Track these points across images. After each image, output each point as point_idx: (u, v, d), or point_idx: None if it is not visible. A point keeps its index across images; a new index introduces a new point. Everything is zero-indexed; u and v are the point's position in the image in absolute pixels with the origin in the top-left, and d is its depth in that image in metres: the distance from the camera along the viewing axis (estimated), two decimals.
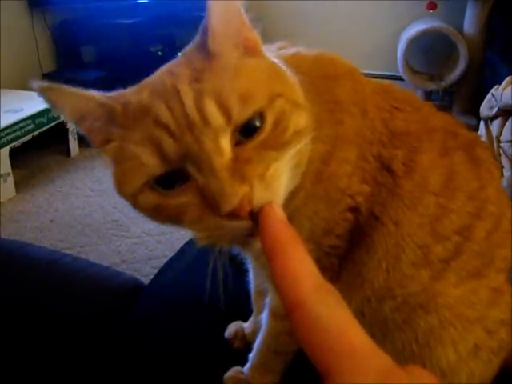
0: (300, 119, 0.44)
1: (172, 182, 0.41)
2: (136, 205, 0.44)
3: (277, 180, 0.41)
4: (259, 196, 0.38)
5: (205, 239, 0.43)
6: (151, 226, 2.28)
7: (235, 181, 0.38)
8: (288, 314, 0.29)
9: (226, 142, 0.39)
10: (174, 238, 2.16)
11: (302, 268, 0.30)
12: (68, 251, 2.09)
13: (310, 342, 0.27)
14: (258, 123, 0.41)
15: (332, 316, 0.28)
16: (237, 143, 0.40)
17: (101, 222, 2.33)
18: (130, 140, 0.41)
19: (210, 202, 0.38)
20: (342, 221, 0.58)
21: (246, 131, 0.40)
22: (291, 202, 0.52)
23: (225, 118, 0.39)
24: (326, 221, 0.58)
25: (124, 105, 0.44)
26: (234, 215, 0.38)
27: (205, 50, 0.43)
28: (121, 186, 0.44)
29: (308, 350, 0.27)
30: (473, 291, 0.60)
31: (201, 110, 0.39)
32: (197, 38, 0.45)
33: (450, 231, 0.59)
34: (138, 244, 2.16)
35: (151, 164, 0.40)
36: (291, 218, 0.56)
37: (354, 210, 0.58)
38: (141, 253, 2.10)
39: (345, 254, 0.61)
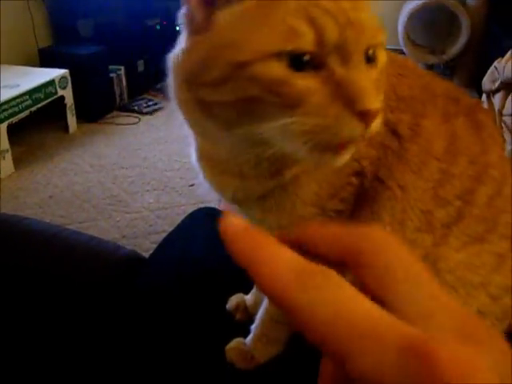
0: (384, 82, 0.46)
1: (300, 65, 0.40)
2: (242, 74, 0.40)
3: (380, 119, 0.43)
4: (377, 123, 0.41)
5: (311, 127, 0.40)
6: (151, 200, 2.28)
7: (375, 91, 0.40)
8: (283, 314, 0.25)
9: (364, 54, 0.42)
10: (174, 212, 2.16)
11: (274, 264, 0.25)
12: (67, 227, 2.08)
13: (311, 335, 0.23)
14: (373, 57, 0.43)
15: (324, 298, 0.23)
16: None
17: (100, 197, 2.32)
18: (278, 8, 0.40)
19: (347, 96, 0.39)
20: (347, 185, 0.58)
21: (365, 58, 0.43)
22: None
23: (371, 34, 0.42)
24: (331, 184, 0.58)
25: None
26: (364, 115, 0.39)
27: None
28: (232, 48, 0.41)
29: (314, 342, 0.23)
30: (475, 255, 0.60)
31: (357, 17, 0.41)
32: None
33: (451, 196, 0.59)
34: (137, 219, 2.15)
35: (307, 38, 0.39)
36: (300, 179, 0.56)
37: (360, 173, 0.58)
38: (140, 228, 2.10)
39: (349, 220, 0.60)
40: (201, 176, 0.63)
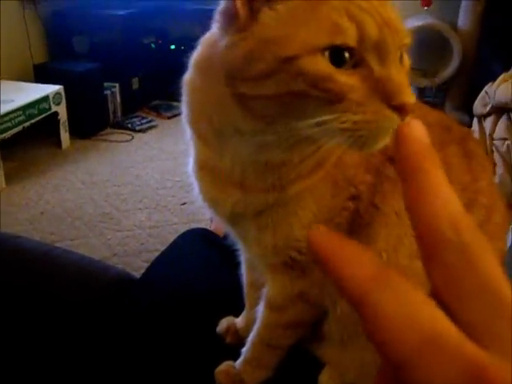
0: None
1: (340, 62, 0.41)
2: (288, 68, 0.41)
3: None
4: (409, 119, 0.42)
5: (350, 124, 0.41)
6: (142, 218, 2.27)
7: (409, 88, 0.42)
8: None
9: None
10: (166, 231, 2.15)
11: (353, 265, 0.25)
12: (58, 244, 2.07)
13: (381, 335, 0.23)
14: (401, 57, 0.44)
15: (399, 300, 0.23)
16: None
17: (92, 214, 2.31)
18: (322, 5, 0.41)
19: (384, 92, 0.41)
20: (343, 210, 0.59)
21: None
22: (311, 176, 0.55)
23: (404, 34, 0.44)
24: (328, 208, 0.58)
25: None
26: (401, 108, 0.40)
27: None
28: (278, 44, 0.42)
29: (380, 344, 0.23)
30: None
31: (391, 17, 0.43)
32: None
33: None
34: (129, 237, 2.14)
35: (350, 33, 0.40)
36: (302, 198, 0.57)
37: (356, 198, 0.59)
38: (132, 246, 2.08)
39: None
40: (196, 189, 0.63)
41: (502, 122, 2.02)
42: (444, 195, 0.26)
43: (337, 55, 0.41)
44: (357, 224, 0.60)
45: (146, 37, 3.36)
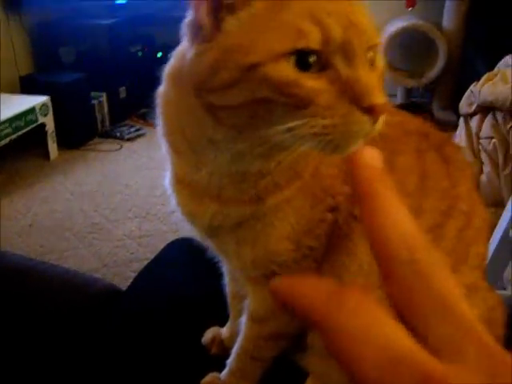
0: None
1: (306, 66, 0.41)
2: (252, 76, 0.41)
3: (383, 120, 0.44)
4: (383, 120, 0.43)
5: (320, 128, 0.41)
6: (132, 227, 2.26)
7: (380, 88, 0.42)
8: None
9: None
10: (156, 240, 2.14)
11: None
12: (48, 256, 2.07)
13: (338, 353, 0.23)
14: (373, 58, 0.44)
15: (356, 319, 0.23)
16: None
17: (81, 225, 2.30)
18: (284, 10, 0.42)
19: (353, 94, 0.40)
20: (321, 221, 0.58)
21: None
22: (288, 187, 0.54)
23: (371, 35, 0.44)
24: (307, 220, 0.58)
25: None
26: (371, 110, 0.40)
27: None
28: (241, 52, 0.42)
29: (335, 357, 0.23)
30: None
31: (358, 19, 0.43)
32: None
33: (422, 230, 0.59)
34: (119, 247, 2.13)
35: (314, 36, 0.40)
36: (280, 209, 0.56)
37: (334, 209, 0.58)
38: (122, 256, 2.07)
39: (324, 258, 0.60)
40: (173, 202, 0.63)
41: (488, 120, 2.03)
42: (395, 216, 0.27)
43: (302, 59, 0.41)
44: (336, 236, 0.59)
45: (132, 45, 3.35)
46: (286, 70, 0.40)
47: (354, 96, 0.40)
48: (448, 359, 0.22)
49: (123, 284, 1.05)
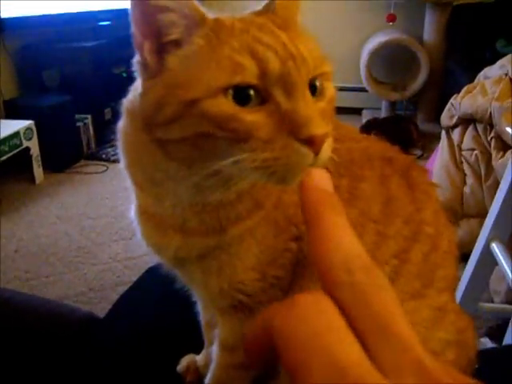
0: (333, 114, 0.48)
1: (245, 100, 0.41)
2: (192, 111, 0.42)
3: (330, 147, 0.43)
4: (327, 150, 0.42)
5: (260, 162, 0.41)
6: (118, 250, 2.25)
7: (321, 118, 0.41)
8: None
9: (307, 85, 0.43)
10: (143, 261, 2.13)
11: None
12: (33, 282, 2.05)
13: (285, 357, 0.23)
14: (320, 88, 0.45)
15: (307, 327, 0.23)
16: None
17: (67, 249, 2.28)
18: (223, 47, 0.42)
19: (291, 125, 0.40)
20: (286, 251, 0.57)
21: (311, 90, 0.44)
22: (251, 216, 0.54)
23: (313, 65, 0.43)
24: (271, 249, 0.57)
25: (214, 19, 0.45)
26: (310, 141, 0.40)
27: (276, 15, 0.47)
28: (182, 88, 0.42)
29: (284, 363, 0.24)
30: (413, 312, 0.60)
31: (297, 49, 0.43)
32: (259, 8, 0.49)
33: (387, 256, 0.59)
34: (105, 271, 2.12)
35: (250, 71, 0.41)
36: (243, 240, 0.56)
37: (298, 238, 0.57)
38: (108, 279, 2.06)
39: (290, 287, 0.60)
40: (138, 234, 0.62)
41: (469, 132, 2.04)
42: (338, 239, 0.27)
43: (241, 94, 0.41)
44: (301, 265, 0.58)
45: (116, 67, 3.36)
46: (224, 105, 0.41)
47: (292, 128, 0.40)
48: (389, 377, 0.22)
49: (106, 309, 1.04)
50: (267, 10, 0.49)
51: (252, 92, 0.41)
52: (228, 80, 0.40)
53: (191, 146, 0.44)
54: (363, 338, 0.23)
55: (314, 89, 0.44)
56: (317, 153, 0.41)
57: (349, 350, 0.22)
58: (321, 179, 0.30)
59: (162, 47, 0.44)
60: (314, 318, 0.23)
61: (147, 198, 0.57)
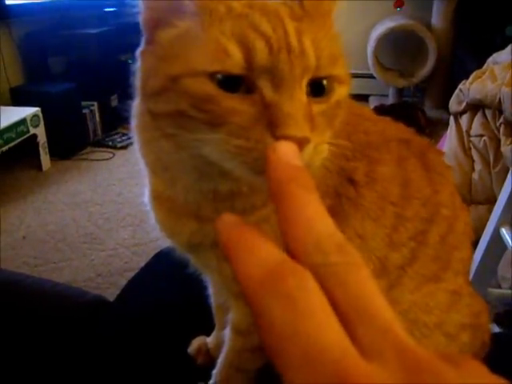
0: (340, 118, 0.46)
1: (234, 86, 0.40)
2: (174, 87, 0.41)
3: (321, 155, 0.41)
4: (307, 156, 0.39)
5: (233, 147, 0.40)
6: (126, 236, 2.25)
7: (306, 120, 0.39)
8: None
9: (305, 83, 0.41)
10: (150, 248, 2.13)
11: (249, 259, 0.25)
12: (41, 268, 2.06)
13: (266, 343, 0.23)
14: (323, 90, 0.42)
15: (285, 310, 0.22)
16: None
17: (74, 236, 2.29)
18: (214, 27, 0.40)
19: (271, 119, 0.38)
20: None
21: (312, 89, 0.42)
22: (266, 206, 0.53)
23: (315, 62, 0.40)
24: None
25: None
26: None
27: (301, 4, 0.44)
28: (168, 62, 0.42)
29: (266, 350, 0.23)
30: (430, 295, 0.60)
31: (300, 43, 0.40)
32: None
33: (405, 238, 0.59)
34: (112, 256, 2.13)
35: (235, 59, 0.39)
36: (258, 226, 0.55)
37: None
38: (116, 265, 2.07)
39: None
40: (152, 219, 0.62)
41: (478, 118, 2.03)
42: (308, 218, 0.26)
43: (229, 80, 0.40)
44: None
45: (122, 54, 3.35)
46: (205, 86, 0.39)
47: (270, 122, 0.38)
48: (370, 359, 0.21)
49: (116, 294, 1.05)
50: None
51: (238, 79, 0.40)
52: (208, 66, 0.39)
53: (175, 124, 0.43)
54: (345, 319, 0.23)
55: (318, 88, 0.42)
56: None
57: (328, 332, 0.22)
58: (289, 153, 0.28)
59: (157, 22, 0.44)
60: (300, 297, 0.22)
61: (160, 183, 0.57)
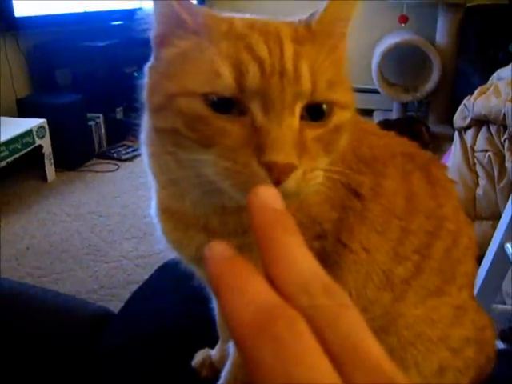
0: (343, 142, 0.46)
1: (226, 108, 0.40)
2: (171, 105, 0.42)
3: (313, 181, 0.41)
4: (294, 182, 0.39)
5: (221, 169, 0.40)
6: (129, 248, 2.25)
7: (294, 146, 0.38)
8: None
9: (300, 108, 0.40)
10: (153, 260, 2.13)
11: (240, 298, 0.24)
12: (45, 279, 2.06)
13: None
14: (323, 114, 0.42)
15: (275, 353, 0.21)
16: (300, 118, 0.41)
17: (78, 247, 2.29)
18: (210, 48, 0.41)
19: (258, 142, 0.38)
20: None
21: (310, 114, 0.42)
22: None
23: (310, 88, 0.40)
24: None
25: (210, 17, 0.44)
26: (271, 168, 0.38)
27: (308, 26, 0.44)
28: (168, 80, 0.43)
29: None
30: (434, 309, 0.60)
31: (296, 67, 0.40)
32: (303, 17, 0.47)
33: (409, 251, 0.59)
34: (116, 268, 2.12)
35: (225, 81, 0.39)
36: None
37: (321, 237, 0.57)
38: (119, 277, 2.06)
39: None
40: (158, 231, 0.62)
41: (482, 134, 2.03)
42: (292, 260, 0.25)
43: (218, 101, 0.40)
44: (323, 264, 0.58)
45: (127, 66, 3.37)
46: (197, 106, 0.40)
47: (257, 146, 0.38)
48: None
49: (121, 306, 1.04)
50: (310, 18, 0.46)
51: (232, 101, 0.40)
52: (200, 87, 0.40)
53: (173, 141, 0.43)
54: (336, 360, 0.22)
55: (317, 112, 0.42)
56: (276, 182, 0.38)
57: (322, 375, 0.21)
58: (269, 197, 0.28)
59: (162, 42, 0.45)
60: (290, 341, 0.22)
61: (168, 196, 0.57)
